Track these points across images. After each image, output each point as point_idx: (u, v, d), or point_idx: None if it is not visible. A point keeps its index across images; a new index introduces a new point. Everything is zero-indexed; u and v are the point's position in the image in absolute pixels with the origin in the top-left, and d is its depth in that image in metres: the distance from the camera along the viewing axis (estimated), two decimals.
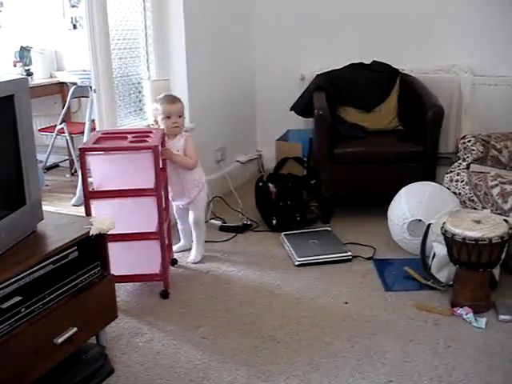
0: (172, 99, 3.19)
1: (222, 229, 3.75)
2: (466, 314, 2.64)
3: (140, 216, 2.87)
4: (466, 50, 4.29)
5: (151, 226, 2.88)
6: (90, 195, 2.77)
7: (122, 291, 2.95)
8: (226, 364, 2.37)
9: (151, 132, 3.02)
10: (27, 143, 2.13)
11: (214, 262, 3.31)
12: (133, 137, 2.90)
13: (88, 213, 2.76)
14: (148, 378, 2.29)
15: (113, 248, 2.53)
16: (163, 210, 2.93)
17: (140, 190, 2.78)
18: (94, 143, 2.83)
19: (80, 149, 2.76)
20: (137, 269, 2.92)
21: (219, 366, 2.35)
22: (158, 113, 3.15)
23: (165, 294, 2.91)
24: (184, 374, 2.31)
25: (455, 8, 4.28)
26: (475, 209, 3.23)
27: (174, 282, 3.05)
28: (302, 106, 4.21)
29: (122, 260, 2.75)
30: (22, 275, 1.98)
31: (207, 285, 3.06)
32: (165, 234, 2.95)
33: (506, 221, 2.76)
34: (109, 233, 2.41)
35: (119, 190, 2.77)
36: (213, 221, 3.88)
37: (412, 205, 3.27)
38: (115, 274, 2.58)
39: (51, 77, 5.33)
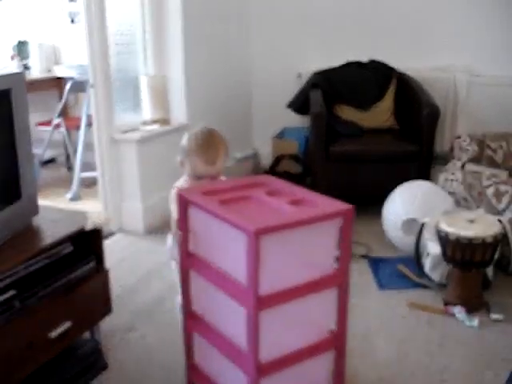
0: (213, 156, 2.13)
1: None
2: (459, 313, 2.65)
3: (302, 319, 1.80)
4: (463, 49, 4.30)
5: (319, 331, 1.85)
6: (260, 304, 1.64)
7: (117, 286, 2.95)
8: None
9: (263, 184, 2.03)
10: (23, 137, 2.13)
11: None
12: (267, 192, 1.92)
13: (255, 332, 1.66)
14: (141, 374, 2.29)
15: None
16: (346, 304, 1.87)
17: (321, 280, 1.77)
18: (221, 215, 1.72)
19: (254, 232, 1.55)
20: None
21: None
22: (188, 162, 2.16)
23: None
24: (178, 370, 2.31)
25: (452, 8, 4.29)
26: (469, 208, 3.24)
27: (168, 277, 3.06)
28: (299, 104, 4.22)
29: None
30: (16, 269, 1.98)
31: None
32: (345, 337, 1.91)
33: (499, 221, 2.78)
34: (271, 358, 1.72)
35: (299, 288, 1.73)
36: None
37: (406, 204, 3.28)
38: None
39: (49, 71, 5.32)
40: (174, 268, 2.25)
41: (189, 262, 1.93)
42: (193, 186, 2.14)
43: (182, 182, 2.21)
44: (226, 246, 1.75)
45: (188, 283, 1.98)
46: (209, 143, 2.18)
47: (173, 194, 2.12)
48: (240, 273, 1.66)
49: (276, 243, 1.63)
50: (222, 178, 2.23)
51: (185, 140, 2.21)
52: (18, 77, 2.17)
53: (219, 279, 1.77)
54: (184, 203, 1.89)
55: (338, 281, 1.80)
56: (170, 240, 2.26)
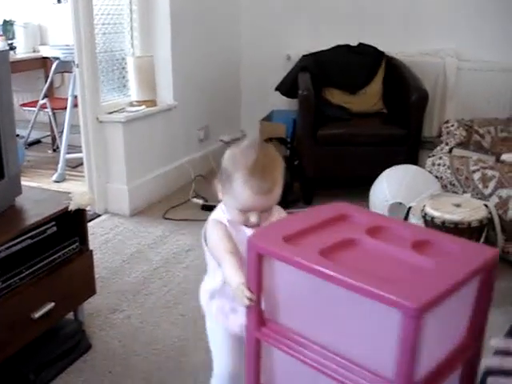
0: (269, 183, 1.49)
1: (204, 208, 3.73)
2: None
3: None
4: (452, 34, 4.28)
5: None
6: None
7: (101, 268, 2.94)
8: (203, 342, 2.36)
9: (346, 217, 1.58)
10: (6, 116, 2.11)
11: (196, 241, 3.29)
12: (367, 231, 1.35)
13: None
14: (125, 355, 2.29)
15: None
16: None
17: (457, 352, 1.24)
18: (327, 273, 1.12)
19: (417, 310, 1.01)
20: None
21: (197, 344, 2.35)
22: (232, 190, 1.51)
23: None
24: (162, 350, 2.31)
25: None
26: (456, 193, 3.24)
27: (153, 259, 3.06)
28: (287, 87, 4.20)
29: None
30: None
31: (187, 264, 3.06)
32: None
33: (485, 205, 2.78)
34: None
35: (444, 368, 1.19)
36: (195, 200, 3.87)
37: (393, 187, 3.28)
38: None
39: (34, 51, 5.26)
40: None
41: (262, 331, 1.31)
42: (233, 216, 1.55)
43: (220, 213, 1.61)
44: (348, 320, 1.17)
45: (258, 356, 1.36)
46: (263, 166, 1.50)
47: (212, 234, 1.58)
48: (377, 359, 1.13)
49: (431, 317, 1.08)
50: (277, 209, 1.64)
51: (228, 160, 1.56)
52: (1, 55, 2.13)
53: (331, 363, 1.18)
54: (257, 255, 1.25)
55: (474, 350, 1.27)
56: (209, 284, 1.85)
